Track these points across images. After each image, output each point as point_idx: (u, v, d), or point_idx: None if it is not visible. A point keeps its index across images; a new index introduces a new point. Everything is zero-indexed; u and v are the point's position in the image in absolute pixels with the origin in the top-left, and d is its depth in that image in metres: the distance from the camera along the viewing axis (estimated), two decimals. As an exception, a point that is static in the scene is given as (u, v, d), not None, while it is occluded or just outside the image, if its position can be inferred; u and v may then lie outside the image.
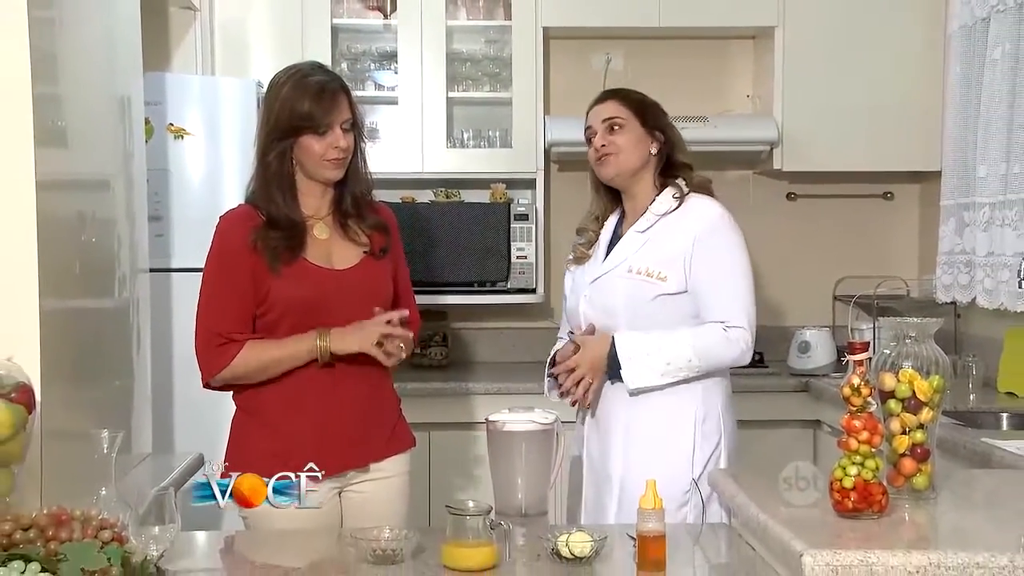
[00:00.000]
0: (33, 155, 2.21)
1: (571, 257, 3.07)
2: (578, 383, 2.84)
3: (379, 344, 2.60)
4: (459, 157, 4.67)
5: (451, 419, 4.25)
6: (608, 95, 3.01)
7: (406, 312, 2.68)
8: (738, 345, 2.79)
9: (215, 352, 2.61)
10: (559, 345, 3.02)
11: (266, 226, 2.61)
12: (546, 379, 3.03)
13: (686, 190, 2.89)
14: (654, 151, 2.92)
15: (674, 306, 2.80)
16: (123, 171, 2.89)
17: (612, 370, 2.80)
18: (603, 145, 2.91)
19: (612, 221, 3.00)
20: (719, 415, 2.86)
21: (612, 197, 3.01)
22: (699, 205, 2.87)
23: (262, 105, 2.71)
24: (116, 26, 2.89)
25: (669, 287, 2.80)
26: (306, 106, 2.59)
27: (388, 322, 2.61)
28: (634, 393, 2.80)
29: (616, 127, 2.90)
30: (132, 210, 2.95)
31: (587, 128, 2.97)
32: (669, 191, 2.89)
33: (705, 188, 2.94)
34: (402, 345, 2.63)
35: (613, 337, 2.80)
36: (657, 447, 2.80)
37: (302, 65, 2.72)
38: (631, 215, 2.95)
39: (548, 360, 3.02)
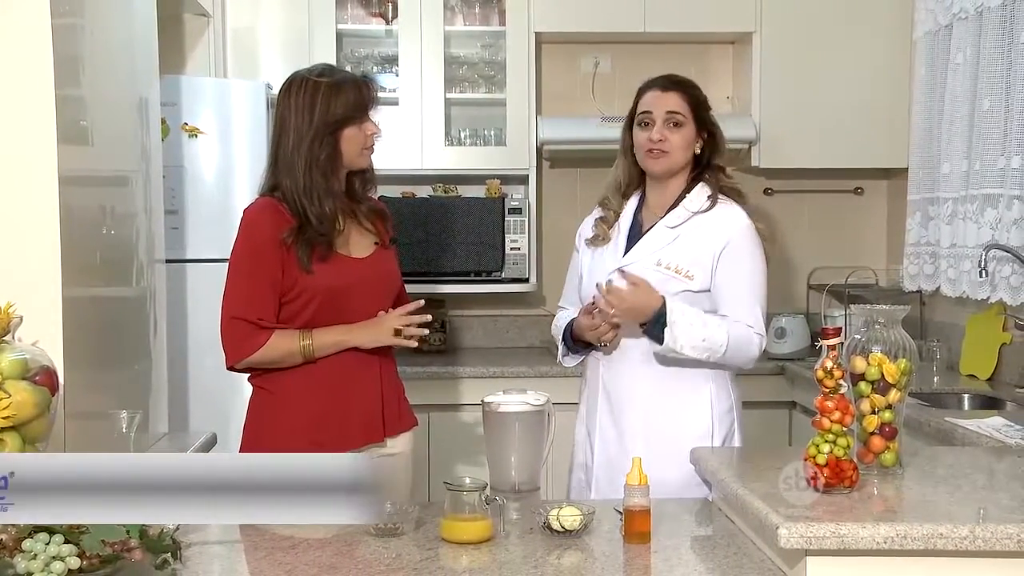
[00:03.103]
0: (56, 152, 2.21)
1: (590, 236, 2.91)
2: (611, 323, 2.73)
3: (397, 333, 2.64)
4: (456, 155, 4.66)
5: (449, 401, 4.25)
6: (673, 85, 2.82)
7: (421, 302, 2.71)
8: (757, 349, 2.73)
9: (244, 339, 2.57)
10: (564, 315, 2.93)
11: (299, 225, 2.56)
12: (561, 344, 2.91)
13: (717, 191, 2.78)
14: (698, 151, 2.81)
15: (696, 303, 2.71)
16: (141, 168, 2.88)
17: (653, 326, 2.67)
18: (660, 140, 2.77)
19: (631, 205, 2.88)
20: (730, 394, 2.80)
21: (638, 173, 2.87)
22: (731, 211, 2.77)
23: (290, 109, 2.61)
24: (135, 32, 2.88)
25: (693, 285, 2.72)
26: (349, 101, 2.60)
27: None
28: (658, 356, 2.70)
29: (677, 124, 2.78)
30: (149, 204, 2.94)
31: (645, 112, 2.80)
32: (704, 190, 2.79)
33: (736, 192, 2.83)
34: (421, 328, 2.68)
35: (664, 298, 2.67)
36: (677, 429, 2.72)
37: (322, 67, 2.69)
38: (656, 206, 2.84)
39: (564, 329, 2.89)
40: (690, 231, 2.76)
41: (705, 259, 2.73)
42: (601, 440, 2.84)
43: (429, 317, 2.69)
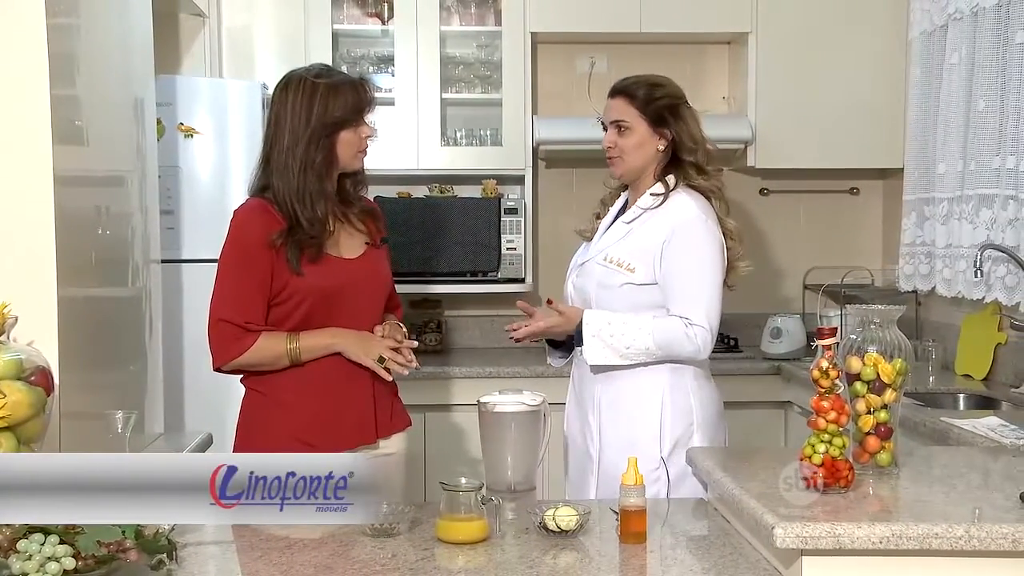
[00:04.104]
0: (51, 152, 2.20)
1: (581, 228, 3.00)
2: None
3: (380, 360, 2.61)
4: (452, 155, 4.66)
5: (445, 401, 4.25)
6: (617, 91, 2.86)
7: (412, 344, 2.68)
8: (694, 342, 2.71)
9: (230, 341, 2.55)
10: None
11: (289, 227, 2.54)
12: (547, 345, 3.02)
13: (672, 187, 2.79)
14: (661, 148, 2.81)
15: (641, 296, 2.74)
16: (137, 168, 2.88)
17: (579, 341, 2.78)
18: (609, 147, 2.84)
19: (618, 204, 2.93)
20: (689, 394, 2.79)
21: None
22: (679, 202, 2.77)
23: (286, 109, 2.59)
24: (131, 32, 2.88)
25: (636, 278, 2.74)
26: (347, 103, 2.58)
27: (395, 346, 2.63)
28: (594, 368, 2.77)
29: (623, 128, 2.82)
30: (145, 204, 2.94)
31: (603, 119, 2.89)
32: (656, 187, 2.81)
33: (705, 188, 2.82)
34: (405, 361, 2.63)
35: (584, 312, 2.77)
36: (627, 426, 2.76)
37: (319, 67, 2.68)
38: (632, 203, 2.88)
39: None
40: (641, 225, 2.80)
41: (649, 250, 2.75)
42: (570, 438, 2.91)
43: (415, 364, 2.66)
